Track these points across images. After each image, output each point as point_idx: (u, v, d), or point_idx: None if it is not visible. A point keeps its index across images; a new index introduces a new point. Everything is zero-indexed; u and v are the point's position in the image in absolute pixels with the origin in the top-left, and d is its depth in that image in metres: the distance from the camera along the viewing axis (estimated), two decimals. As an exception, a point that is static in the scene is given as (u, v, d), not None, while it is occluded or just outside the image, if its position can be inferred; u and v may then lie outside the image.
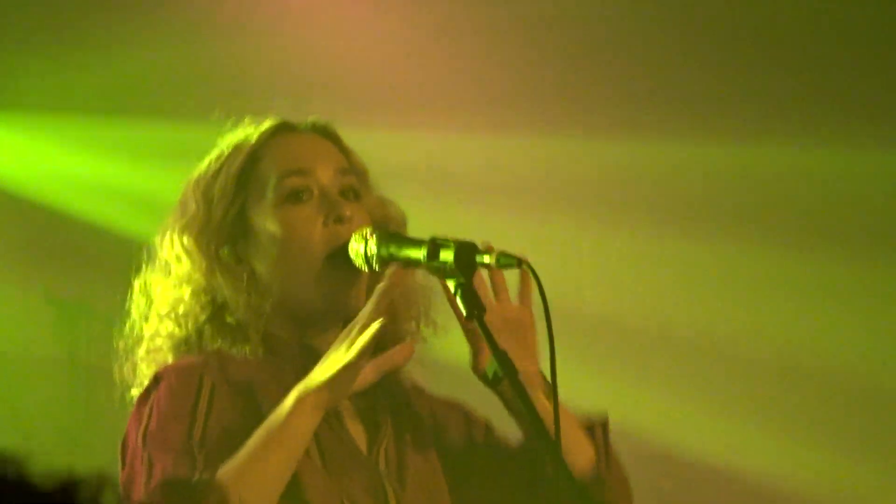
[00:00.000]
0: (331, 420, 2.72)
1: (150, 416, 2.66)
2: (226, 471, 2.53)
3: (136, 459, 2.62)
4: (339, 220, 2.76)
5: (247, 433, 2.59)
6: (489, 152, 5.36)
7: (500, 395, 2.77)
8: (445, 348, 2.89)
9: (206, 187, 2.84)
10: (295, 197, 2.78)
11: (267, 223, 2.78)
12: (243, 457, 2.55)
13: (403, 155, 5.03)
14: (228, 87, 5.05)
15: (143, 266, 2.90)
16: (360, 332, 2.56)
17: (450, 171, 5.33)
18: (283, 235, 2.76)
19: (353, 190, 2.83)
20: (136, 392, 2.82)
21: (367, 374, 2.61)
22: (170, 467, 2.58)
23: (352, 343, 2.57)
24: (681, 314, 5.26)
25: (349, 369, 2.56)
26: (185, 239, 2.82)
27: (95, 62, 5.39)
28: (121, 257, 2.95)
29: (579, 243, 5.30)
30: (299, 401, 2.57)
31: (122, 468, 2.66)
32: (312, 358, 2.71)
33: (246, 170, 2.82)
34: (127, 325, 2.88)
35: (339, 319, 2.77)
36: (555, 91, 5.31)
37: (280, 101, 3.01)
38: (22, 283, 5.61)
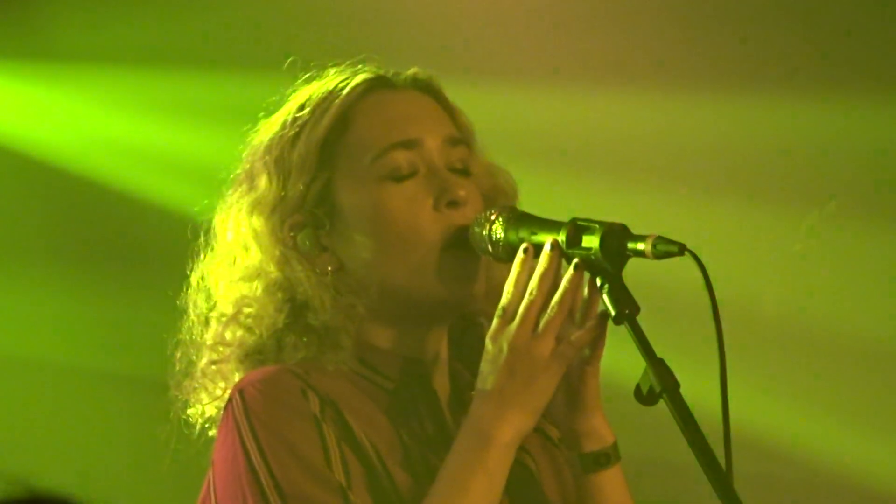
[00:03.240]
0: None
1: (261, 447, 2.17)
2: None
3: None
4: (455, 203, 2.32)
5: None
6: (622, 117, 4.94)
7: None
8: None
9: (280, 155, 2.36)
10: (399, 174, 2.32)
11: (362, 204, 2.32)
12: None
13: (516, 119, 4.61)
14: (294, 31, 4.56)
15: (201, 253, 2.42)
16: (551, 327, 2.17)
17: (573, 139, 4.89)
18: (384, 220, 2.30)
19: (464, 163, 2.38)
20: (193, 413, 2.36)
21: None
22: None
23: (555, 351, 2.18)
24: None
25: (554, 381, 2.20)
26: (254, 220, 2.35)
27: (135, 4, 4.96)
28: (171, 240, 2.49)
29: (744, 229, 4.87)
30: (505, 427, 2.17)
31: None
32: (415, 373, 2.31)
33: (334, 136, 2.35)
34: (183, 328, 2.40)
35: (450, 318, 2.37)
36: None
37: (355, 48, 2.48)
38: (47, 274, 5.11)
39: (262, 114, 2.44)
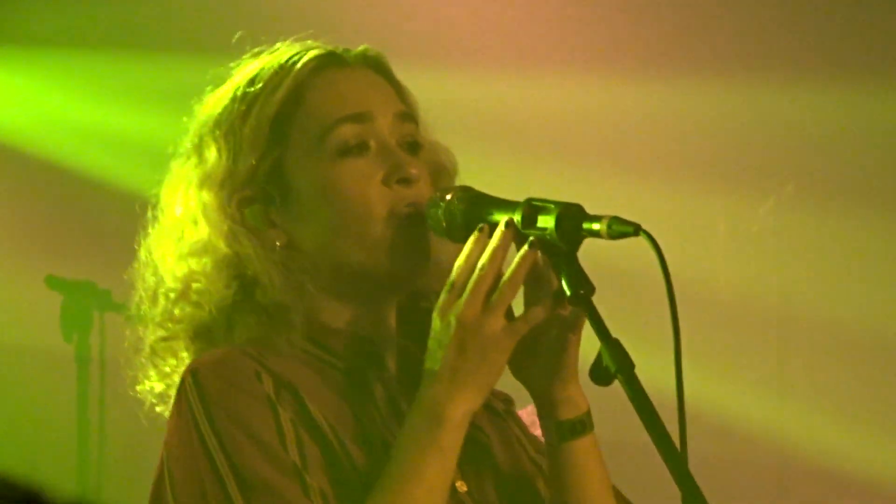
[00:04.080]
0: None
1: (216, 430, 2.14)
2: None
3: (217, 495, 2.12)
4: (406, 181, 2.30)
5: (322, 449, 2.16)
6: (569, 98, 4.93)
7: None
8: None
9: (230, 129, 2.32)
10: (349, 149, 2.30)
11: (313, 180, 2.29)
12: (403, 498, 2.12)
13: (460, 99, 4.56)
14: (251, 16, 4.55)
15: (148, 227, 2.39)
16: (501, 303, 2.14)
17: (517, 120, 4.88)
18: (335, 195, 2.28)
19: (413, 139, 2.37)
20: (142, 389, 2.33)
21: None
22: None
23: (506, 327, 2.15)
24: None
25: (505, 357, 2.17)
26: (203, 194, 2.31)
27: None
28: (131, 220, 2.43)
29: (699, 211, 4.88)
30: (457, 406, 2.14)
31: None
32: (367, 351, 2.29)
33: (285, 112, 2.32)
34: (132, 304, 2.36)
35: (401, 293, 2.35)
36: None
37: (308, 29, 2.46)
38: (20, 259, 5.08)
39: (209, 87, 2.41)
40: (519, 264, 2.17)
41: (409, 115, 2.38)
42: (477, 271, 2.17)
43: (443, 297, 2.18)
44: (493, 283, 2.16)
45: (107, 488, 4.86)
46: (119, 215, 2.40)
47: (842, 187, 5.00)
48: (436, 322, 2.18)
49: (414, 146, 2.35)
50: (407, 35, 4.85)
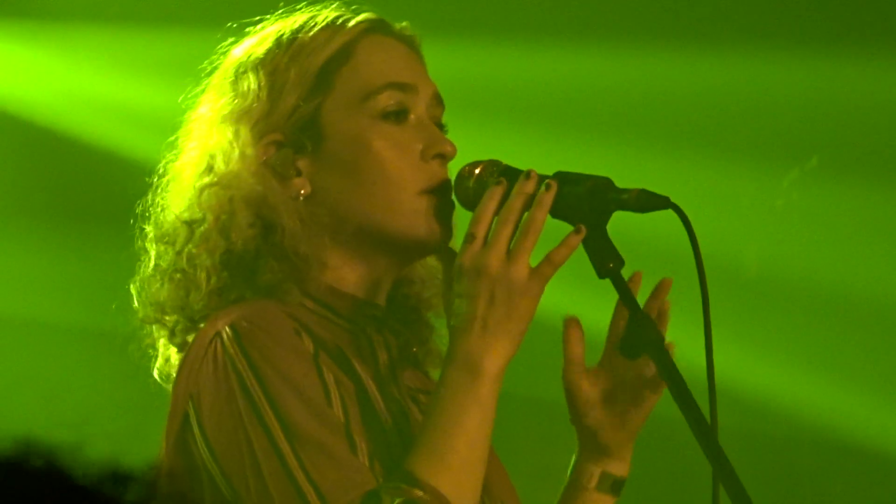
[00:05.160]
0: None
1: (264, 385, 2.10)
2: (435, 475, 2.08)
3: (267, 456, 2.08)
4: (442, 156, 2.31)
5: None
6: (591, 73, 4.91)
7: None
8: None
9: (274, 70, 2.30)
10: (391, 114, 2.29)
11: (351, 136, 2.28)
12: (446, 451, 2.09)
13: (499, 77, 4.55)
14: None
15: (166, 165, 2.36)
16: (524, 249, 2.12)
17: (540, 96, 4.87)
18: (371, 157, 2.27)
19: (442, 123, 2.38)
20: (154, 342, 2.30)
21: None
22: (339, 464, 2.07)
23: (532, 272, 2.12)
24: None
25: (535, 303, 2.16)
26: (239, 129, 2.28)
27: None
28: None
29: (722, 185, 4.86)
30: (493, 358, 2.12)
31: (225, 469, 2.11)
32: (371, 316, 2.28)
33: (334, 64, 2.31)
34: (148, 239, 2.32)
35: (415, 260, 2.35)
36: None
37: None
38: (19, 230, 5.05)
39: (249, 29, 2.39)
40: (537, 207, 2.14)
41: (441, 98, 2.38)
42: (498, 221, 2.14)
43: (463, 247, 2.15)
44: (514, 230, 2.14)
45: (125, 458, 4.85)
46: (139, 189, 2.38)
47: (866, 159, 4.97)
48: (459, 273, 2.15)
49: (443, 129, 2.36)
50: (413, 7, 4.82)
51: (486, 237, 2.14)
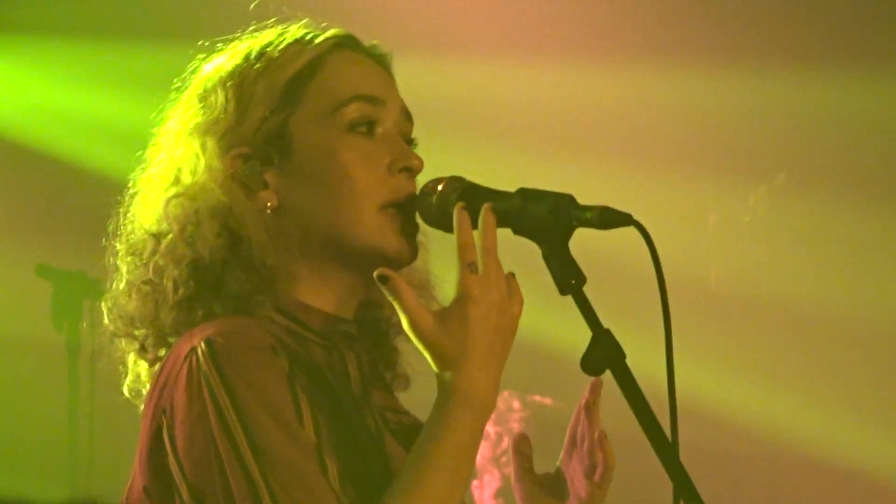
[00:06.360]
0: None
1: (237, 404, 2.08)
2: None
3: (236, 478, 2.07)
4: (409, 170, 2.30)
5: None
6: (558, 89, 4.93)
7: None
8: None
9: (242, 83, 2.31)
10: (361, 127, 2.30)
11: (317, 147, 2.28)
12: (452, 477, 2.09)
13: (450, 91, 4.55)
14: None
15: (134, 180, 2.36)
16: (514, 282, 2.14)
17: (506, 111, 4.88)
18: (338, 169, 2.26)
19: (411, 138, 2.38)
20: (125, 356, 2.28)
21: None
22: (309, 488, 2.07)
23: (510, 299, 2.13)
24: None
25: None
26: (206, 140, 2.28)
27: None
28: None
29: (689, 200, 4.88)
30: (495, 391, 2.13)
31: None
32: (343, 332, 2.27)
33: (302, 77, 2.31)
34: (120, 244, 2.31)
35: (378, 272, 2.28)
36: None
37: (296, 16, 2.46)
38: (10, 248, 5.05)
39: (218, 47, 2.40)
40: (485, 231, 2.13)
41: (410, 114, 2.38)
42: (484, 252, 2.13)
43: (466, 279, 2.13)
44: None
45: (97, 478, 4.85)
46: (109, 204, 2.38)
47: (832, 176, 5.00)
48: (464, 300, 2.11)
49: (411, 143, 2.36)
50: (399, 27, 4.84)
51: (476, 265, 2.13)
